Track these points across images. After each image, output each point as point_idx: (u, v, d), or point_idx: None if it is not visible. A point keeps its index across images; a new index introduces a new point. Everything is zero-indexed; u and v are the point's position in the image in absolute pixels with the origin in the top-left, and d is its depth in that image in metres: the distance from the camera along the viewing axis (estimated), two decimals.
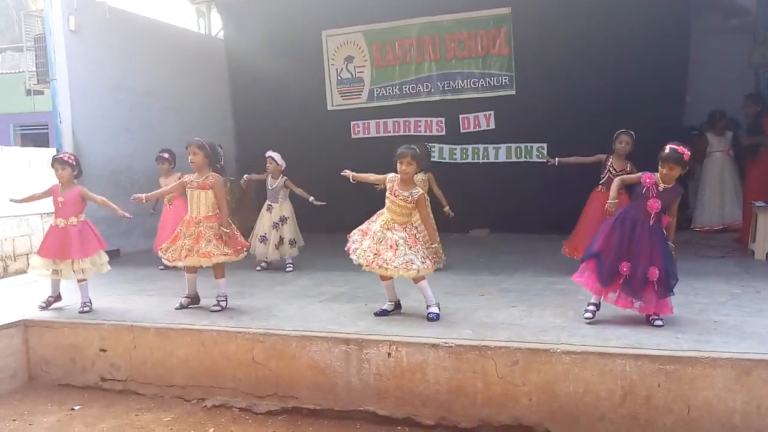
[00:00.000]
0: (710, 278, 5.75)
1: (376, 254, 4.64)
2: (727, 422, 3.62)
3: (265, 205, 7.07)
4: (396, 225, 4.70)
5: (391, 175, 4.81)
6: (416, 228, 4.82)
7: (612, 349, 3.87)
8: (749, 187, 7.84)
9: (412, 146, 4.82)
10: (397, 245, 4.61)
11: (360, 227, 4.91)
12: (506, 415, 3.98)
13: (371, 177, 4.98)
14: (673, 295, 4.37)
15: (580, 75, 8.50)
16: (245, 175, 7.44)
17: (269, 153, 6.99)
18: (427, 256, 4.69)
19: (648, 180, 4.30)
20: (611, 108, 8.08)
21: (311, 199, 6.78)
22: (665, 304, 4.35)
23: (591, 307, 4.48)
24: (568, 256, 6.09)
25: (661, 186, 4.29)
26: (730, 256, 6.91)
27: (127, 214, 5.42)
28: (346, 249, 4.85)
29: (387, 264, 4.58)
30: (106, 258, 5.45)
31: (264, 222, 6.97)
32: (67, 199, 5.32)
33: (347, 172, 5.00)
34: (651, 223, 4.29)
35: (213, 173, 5.26)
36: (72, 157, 5.48)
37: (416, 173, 4.83)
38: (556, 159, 6.31)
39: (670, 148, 4.25)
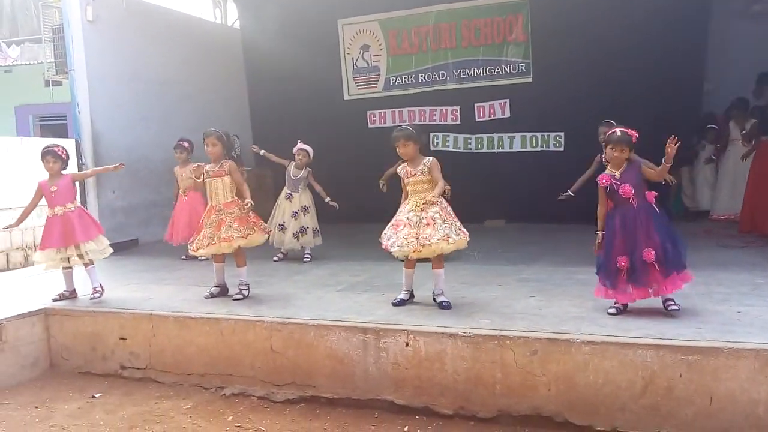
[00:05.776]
0: (732, 268, 5.66)
1: (417, 238, 4.59)
2: (751, 413, 3.57)
3: (284, 194, 6.94)
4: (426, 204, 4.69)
5: (401, 163, 4.87)
6: (446, 202, 4.82)
7: (632, 339, 3.83)
8: (755, 173, 7.66)
9: (401, 127, 4.90)
10: (434, 221, 4.61)
11: (388, 225, 4.84)
12: (525, 405, 3.96)
13: (389, 172, 5.02)
14: (682, 268, 4.26)
15: (598, 62, 8.37)
16: (254, 146, 7.21)
17: (303, 146, 6.83)
18: (461, 228, 4.69)
19: (604, 180, 4.34)
20: (629, 95, 7.97)
21: (327, 199, 6.77)
22: (675, 280, 4.24)
23: (617, 305, 4.38)
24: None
25: (617, 173, 4.31)
26: (751, 246, 6.80)
27: (119, 165, 5.79)
28: (383, 248, 4.79)
29: (429, 240, 4.54)
30: (106, 242, 5.50)
31: (283, 210, 6.85)
32: (60, 187, 5.37)
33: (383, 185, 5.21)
34: (635, 206, 4.26)
35: (226, 160, 5.34)
36: (64, 151, 5.52)
37: (418, 149, 4.81)
38: (568, 192, 6.29)
39: (620, 131, 4.32)
